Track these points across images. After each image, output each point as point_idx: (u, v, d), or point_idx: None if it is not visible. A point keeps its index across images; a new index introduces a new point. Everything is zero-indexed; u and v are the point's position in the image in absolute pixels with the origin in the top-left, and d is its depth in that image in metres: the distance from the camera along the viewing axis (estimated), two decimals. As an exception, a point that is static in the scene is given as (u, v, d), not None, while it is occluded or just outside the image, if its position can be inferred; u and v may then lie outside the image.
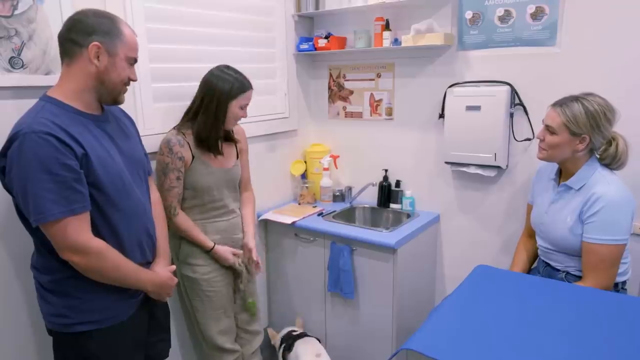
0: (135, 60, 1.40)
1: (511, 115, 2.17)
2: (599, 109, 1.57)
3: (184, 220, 1.87)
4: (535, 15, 2.05)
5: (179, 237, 1.92)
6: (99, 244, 1.30)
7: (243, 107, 1.89)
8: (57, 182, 1.20)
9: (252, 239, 2.03)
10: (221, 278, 1.96)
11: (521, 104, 2.15)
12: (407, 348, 1.14)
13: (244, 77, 1.88)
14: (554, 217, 1.69)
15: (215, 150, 1.90)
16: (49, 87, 1.36)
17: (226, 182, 1.96)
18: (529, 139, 2.16)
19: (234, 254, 1.96)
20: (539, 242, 1.80)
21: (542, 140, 1.68)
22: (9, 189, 1.28)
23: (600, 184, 1.59)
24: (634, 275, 1.85)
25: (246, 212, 2.09)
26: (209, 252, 1.91)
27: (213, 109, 1.82)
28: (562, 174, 1.72)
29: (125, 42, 1.34)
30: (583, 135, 1.58)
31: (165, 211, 1.81)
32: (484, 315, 1.28)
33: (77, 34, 1.29)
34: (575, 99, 1.61)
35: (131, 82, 1.42)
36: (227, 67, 1.88)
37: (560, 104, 1.63)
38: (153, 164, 1.81)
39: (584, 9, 1.95)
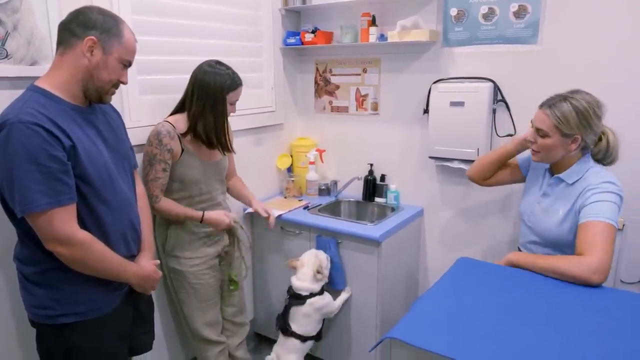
0: (130, 64, 1.40)
1: (494, 111, 2.21)
2: (588, 106, 1.54)
3: (165, 202, 1.85)
4: (518, 14, 2.09)
5: (165, 228, 1.92)
6: (84, 235, 1.30)
7: (233, 103, 1.90)
8: (44, 173, 1.20)
9: (257, 202, 2.17)
10: (208, 270, 1.97)
11: (503, 100, 2.19)
12: (391, 337, 1.18)
13: (235, 74, 1.88)
14: (544, 208, 1.69)
15: (226, 148, 1.93)
16: (34, 77, 1.35)
17: (214, 175, 1.96)
18: (510, 135, 2.20)
19: (226, 215, 1.96)
20: (525, 235, 1.79)
21: (533, 143, 1.65)
22: None
23: (596, 176, 1.58)
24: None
25: (241, 189, 2.20)
26: (201, 222, 1.91)
27: (218, 107, 1.83)
28: (554, 170, 1.71)
29: (123, 43, 1.34)
30: (575, 136, 1.56)
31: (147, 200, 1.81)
32: (466, 306, 1.32)
33: (77, 25, 1.29)
34: (564, 98, 1.57)
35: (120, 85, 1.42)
36: (218, 62, 1.87)
37: (549, 104, 1.59)
38: (139, 157, 1.81)
39: (565, 8, 2.00)
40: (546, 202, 1.69)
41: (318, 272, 2.13)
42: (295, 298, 2.14)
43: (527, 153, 1.89)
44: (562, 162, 1.65)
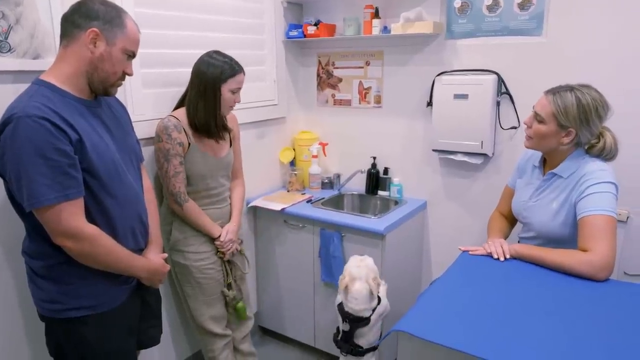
0: (134, 55, 1.39)
1: (498, 103, 2.21)
2: (592, 103, 1.51)
3: (193, 207, 1.87)
4: (523, 5, 2.08)
5: (169, 223, 1.93)
6: (92, 229, 1.30)
7: (235, 92, 1.88)
8: (52, 167, 1.20)
9: (233, 225, 2.01)
10: (212, 265, 1.97)
11: (507, 92, 2.19)
12: (398, 330, 1.18)
13: (234, 61, 1.87)
14: (539, 203, 1.68)
15: (217, 136, 1.90)
16: (37, 71, 1.35)
17: (220, 171, 1.96)
18: (514, 127, 2.20)
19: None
20: (522, 233, 1.80)
21: (528, 127, 1.65)
22: (1, 174, 1.27)
23: (590, 165, 1.56)
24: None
25: (234, 198, 2.09)
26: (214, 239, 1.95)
27: (209, 95, 1.82)
28: (547, 163, 1.72)
29: (126, 34, 1.33)
30: (570, 129, 1.54)
31: (174, 198, 1.83)
32: (472, 299, 1.33)
33: (80, 17, 1.28)
34: (570, 89, 1.55)
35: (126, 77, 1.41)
36: (217, 52, 1.88)
37: (554, 92, 1.57)
38: (145, 151, 1.80)
39: (570, 0, 1.99)
40: (540, 197, 1.68)
41: (375, 281, 1.84)
42: (358, 321, 1.86)
43: (514, 177, 1.88)
44: (555, 156, 1.64)
